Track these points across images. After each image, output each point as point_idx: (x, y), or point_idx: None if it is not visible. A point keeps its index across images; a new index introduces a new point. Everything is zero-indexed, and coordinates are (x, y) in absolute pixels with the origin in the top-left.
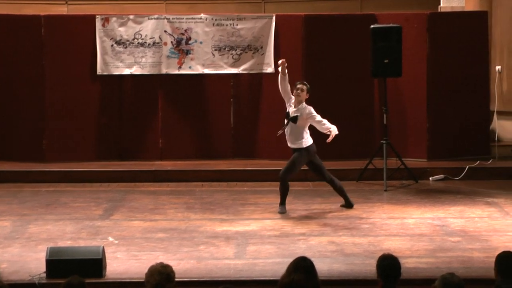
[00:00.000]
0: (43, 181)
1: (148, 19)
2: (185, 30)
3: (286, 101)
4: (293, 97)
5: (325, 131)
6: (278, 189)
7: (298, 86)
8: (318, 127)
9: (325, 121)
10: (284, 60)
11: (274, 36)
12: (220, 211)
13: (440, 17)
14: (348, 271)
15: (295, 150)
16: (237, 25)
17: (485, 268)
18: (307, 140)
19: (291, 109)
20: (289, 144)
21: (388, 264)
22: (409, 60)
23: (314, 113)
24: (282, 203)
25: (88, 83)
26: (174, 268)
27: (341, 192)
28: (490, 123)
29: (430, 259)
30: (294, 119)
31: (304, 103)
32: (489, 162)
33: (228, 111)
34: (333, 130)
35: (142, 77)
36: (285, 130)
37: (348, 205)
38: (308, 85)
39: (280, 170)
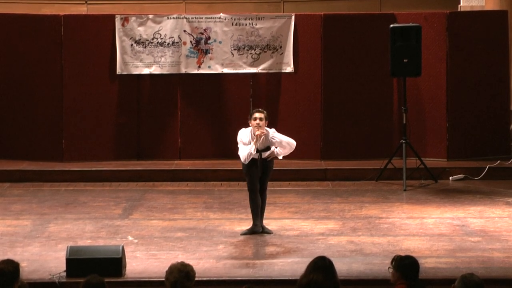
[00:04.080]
0: (62, 180)
1: (167, 18)
2: (204, 30)
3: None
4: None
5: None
6: (295, 188)
7: (256, 115)
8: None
9: (282, 137)
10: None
11: (293, 36)
12: (239, 211)
13: (459, 16)
14: (367, 270)
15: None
16: (256, 24)
17: (505, 269)
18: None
19: (253, 147)
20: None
21: (408, 263)
22: (429, 59)
23: (276, 134)
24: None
25: (107, 82)
26: (193, 267)
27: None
28: (510, 123)
29: (450, 259)
30: (266, 150)
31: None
32: (509, 162)
33: (247, 111)
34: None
35: (161, 77)
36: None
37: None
38: (265, 112)
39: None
